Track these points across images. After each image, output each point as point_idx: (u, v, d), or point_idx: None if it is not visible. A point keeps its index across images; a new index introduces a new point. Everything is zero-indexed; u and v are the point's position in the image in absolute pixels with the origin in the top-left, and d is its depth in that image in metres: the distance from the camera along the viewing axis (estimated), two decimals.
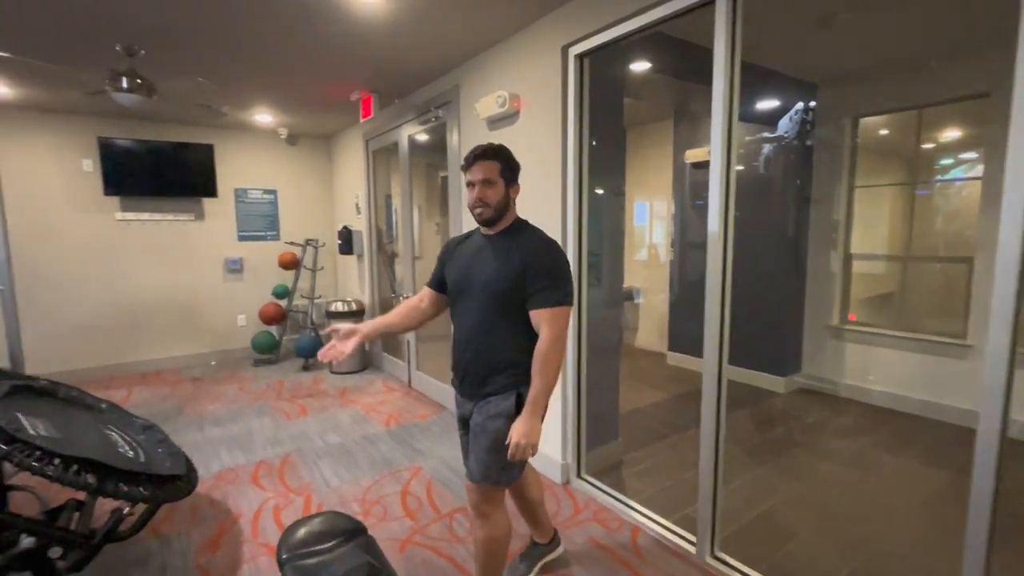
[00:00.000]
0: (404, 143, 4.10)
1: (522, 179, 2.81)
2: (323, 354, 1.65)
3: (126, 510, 1.79)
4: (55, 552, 1.77)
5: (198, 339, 5.07)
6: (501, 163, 1.55)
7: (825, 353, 4.11)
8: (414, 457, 2.97)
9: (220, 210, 5.06)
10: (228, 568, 2.03)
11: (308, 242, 5.26)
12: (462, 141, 3.28)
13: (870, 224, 4.24)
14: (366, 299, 5.03)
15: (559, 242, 2.58)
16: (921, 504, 2.52)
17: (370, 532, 1.45)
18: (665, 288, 5.16)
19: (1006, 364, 1.29)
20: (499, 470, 1.57)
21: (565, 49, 2.45)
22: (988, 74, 3.09)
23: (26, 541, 1.77)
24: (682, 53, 2.88)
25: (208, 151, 4.84)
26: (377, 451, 3.06)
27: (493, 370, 1.57)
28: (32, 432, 1.69)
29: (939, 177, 4.15)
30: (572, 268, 2.58)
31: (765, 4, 1.81)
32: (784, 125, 4.03)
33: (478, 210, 1.55)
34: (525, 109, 2.73)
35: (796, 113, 3.97)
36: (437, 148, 4.20)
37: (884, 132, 4.22)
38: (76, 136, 4.36)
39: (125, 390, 4.24)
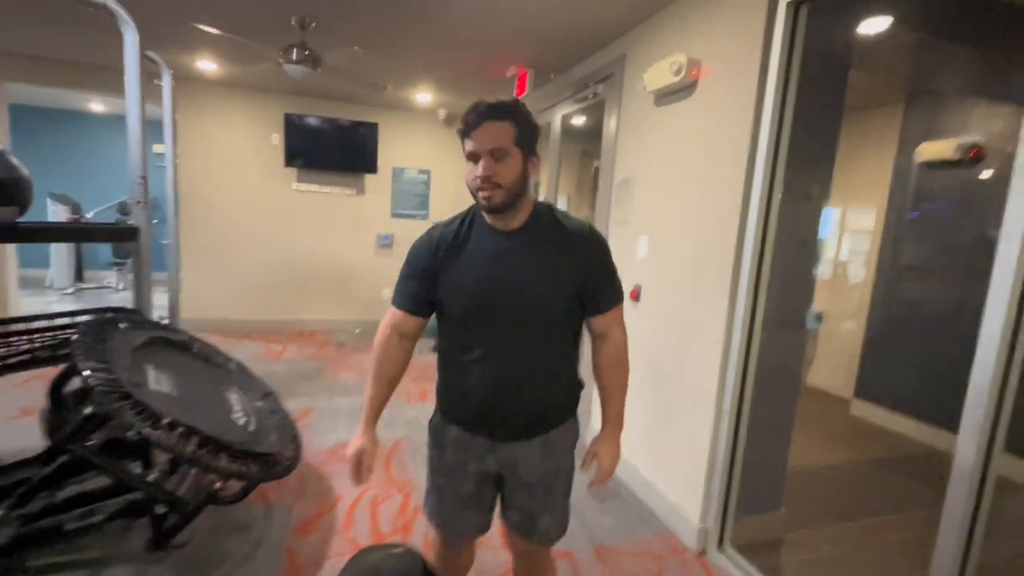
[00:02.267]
0: (556, 125, 3.76)
1: (689, 171, 2.32)
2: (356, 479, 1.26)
3: (218, 484, 1.75)
4: (160, 509, 1.79)
5: (347, 306, 5.40)
6: (517, 125, 1.07)
7: None
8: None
9: (378, 187, 5.28)
10: (314, 559, 1.92)
11: None
12: (621, 122, 2.82)
13: None
14: None
15: (733, 256, 2.02)
16: None
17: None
18: (857, 316, 4.10)
19: None
20: (568, 515, 1.33)
21: None
22: None
23: (133, 495, 1.83)
24: (946, 6, 2.07)
25: (373, 129, 5.05)
26: None
27: (552, 406, 1.24)
28: (154, 387, 1.71)
29: None
30: (750, 283, 2.00)
31: None
32: None
33: (484, 193, 1.08)
34: (705, 79, 2.17)
35: None
36: (591, 134, 3.80)
37: None
38: (267, 112, 4.85)
39: (280, 345, 4.64)
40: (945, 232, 3.43)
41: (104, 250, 7.05)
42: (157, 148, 7.23)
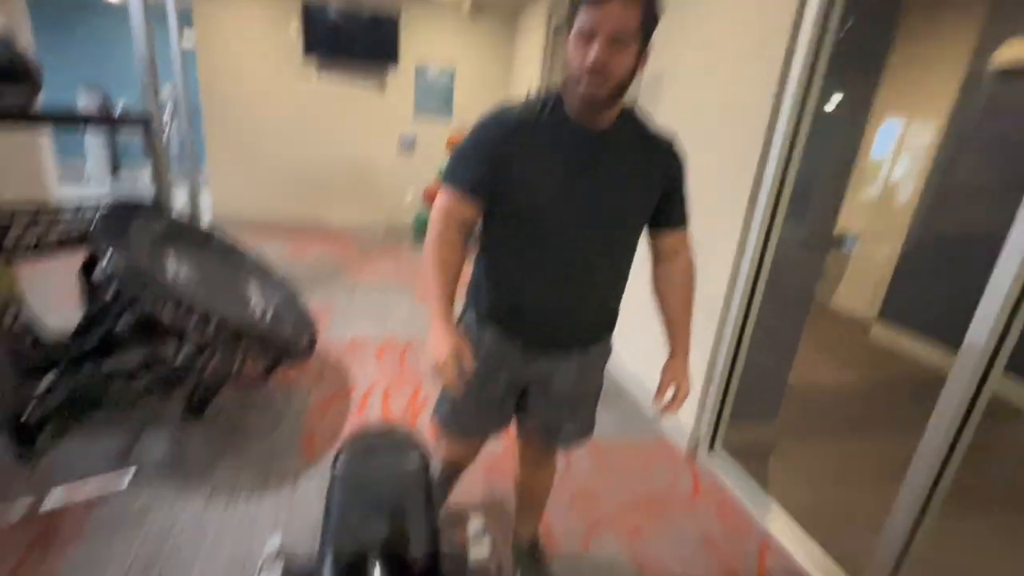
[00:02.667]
0: None
1: (717, 74, 2.12)
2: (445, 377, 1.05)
3: (237, 367, 1.88)
4: (189, 384, 1.96)
5: (370, 209, 5.43)
6: (645, 11, 0.90)
7: None
8: None
9: (400, 84, 5.08)
10: (328, 438, 2.10)
11: None
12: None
13: None
14: None
15: (756, 164, 1.89)
16: None
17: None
18: (895, 238, 3.90)
19: None
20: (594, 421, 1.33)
21: None
22: None
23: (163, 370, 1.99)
24: None
25: (394, 22, 4.75)
26: None
27: (603, 321, 1.19)
28: (173, 275, 1.79)
29: None
30: (770, 195, 1.89)
31: None
32: None
33: (589, 84, 0.92)
34: None
35: None
36: None
37: None
38: (285, 1, 4.58)
39: (303, 244, 4.77)
40: (1010, 150, 3.12)
41: (138, 144, 7.15)
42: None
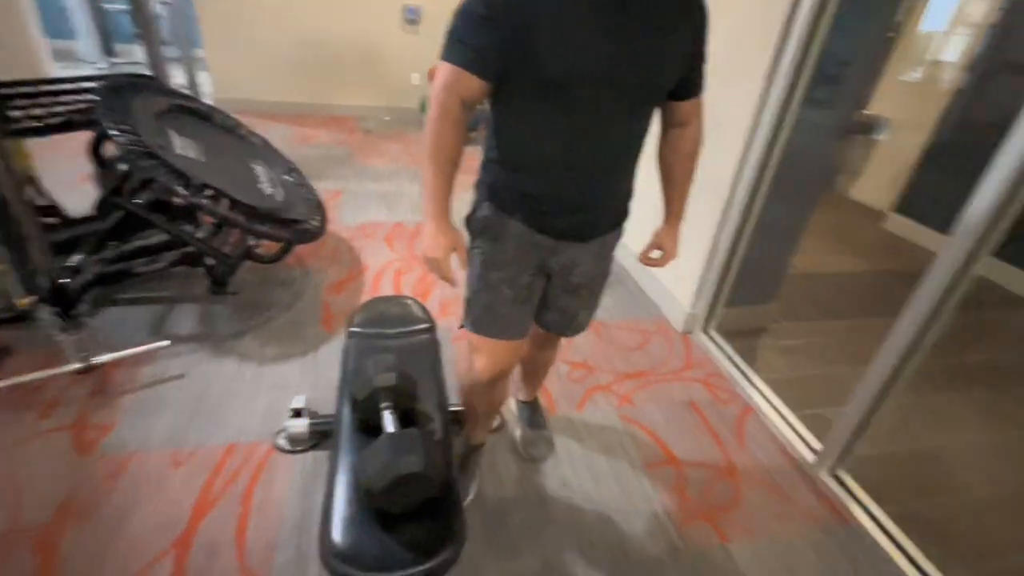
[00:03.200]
0: None
1: None
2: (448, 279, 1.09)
3: (255, 242, 1.96)
4: (210, 261, 2.07)
5: (375, 92, 5.18)
6: None
7: None
8: None
9: None
10: (345, 311, 2.24)
11: None
12: None
13: None
14: None
15: (778, 30, 1.75)
16: None
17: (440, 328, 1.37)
18: (927, 126, 3.68)
19: None
20: None
21: None
22: None
23: (190, 246, 2.09)
24: None
25: None
26: None
27: (628, 205, 1.19)
28: (179, 152, 1.81)
29: None
30: (792, 67, 1.78)
31: None
32: None
33: None
34: None
35: None
36: None
37: None
38: None
39: (309, 129, 4.65)
40: None
41: (129, 22, 6.71)
42: None
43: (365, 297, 2.35)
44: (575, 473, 1.60)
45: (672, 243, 1.25)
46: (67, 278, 1.57)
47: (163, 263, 2.06)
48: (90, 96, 2.06)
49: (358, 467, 0.93)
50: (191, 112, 2.10)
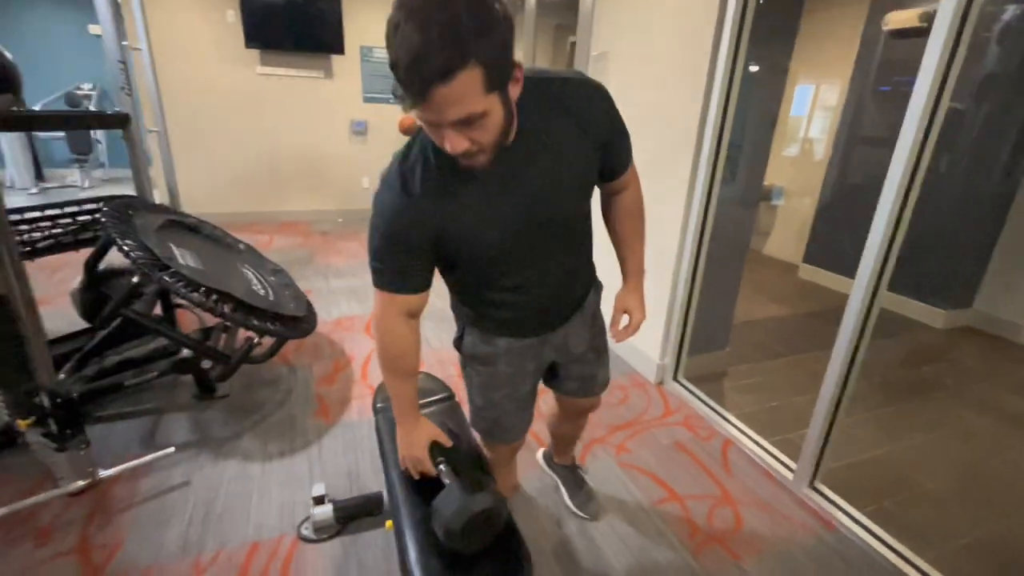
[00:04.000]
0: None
1: (658, 49, 2.40)
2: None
3: (256, 340, 2.03)
4: (206, 364, 2.09)
5: (326, 197, 5.45)
6: (482, 63, 0.68)
7: (1015, 289, 3.34)
8: None
9: (347, 69, 5.08)
10: (340, 400, 2.30)
11: None
12: None
13: None
14: None
15: (696, 133, 2.19)
16: None
17: (456, 399, 1.49)
18: (814, 190, 4.42)
19: None
20: None
21: None
22: None
23: (185, 351, 2.12)
24: None
25: (337, 5, 4.74)
26: None
27: (589, 282, 1.25)
28: (182, 262, 1.91)
29: None
30: (710, 156, 2.21)
31: None
32: None
33: (464, 160, 0.80)
34: None
35: None
36: (569, 6, 3.69)
37: None
38: None
39: (267, 236, 4.77)
40: (902, 102, 3.63)
41: (59, 147, 6.72)
42: (93, 29, 6.58)
43: (358, 387, 2.42)
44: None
45: (637, 302, 1.22)
46: (67, 395, 1.57)
47: (153, 373, 2.06)
48: (80, 218, 2.15)
49: (435, 514, 1.03)
50: (182, 226, 2.22)
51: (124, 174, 7.17)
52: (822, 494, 1.83)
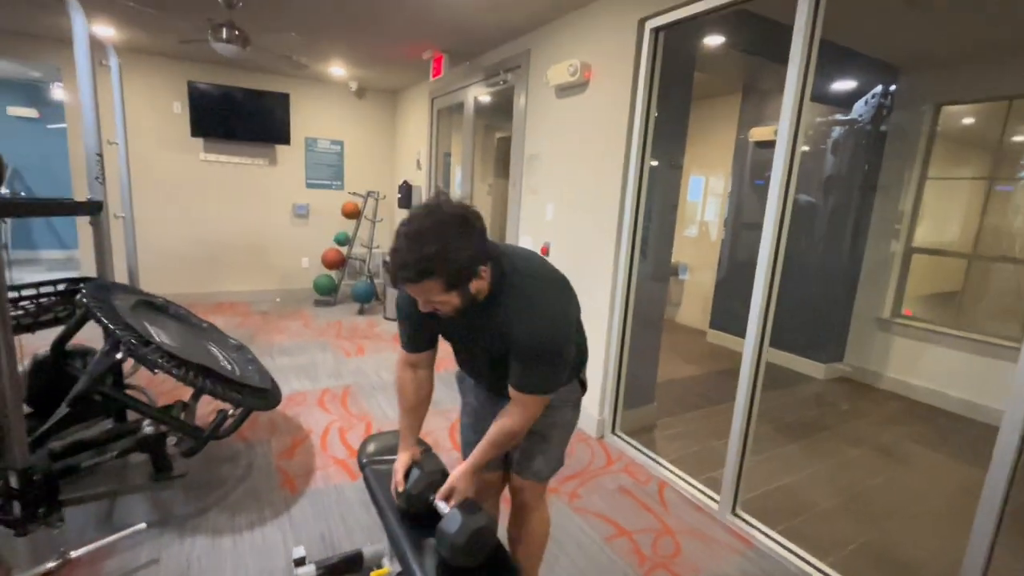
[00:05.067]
0: (470, 104, 4.22)
1: (584, 151, 2.94)
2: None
3: (230, 412, 2.11)
4: (172, 440, 2.12)
5: (265, 277, 5.48)
6: (440, 277, 1.03)
7: (871, 344, 4.09)
8: (459, 400, 3.23)
9: (291, 157, 5.36)
10: (303, 472, 2.36)
11: (369, 193, 5.52)
12: (529, 106, 3.38)
13: (939, 218, 4.10)
14: None
15: (616, 218, 2.69)
16: (943, 495, 2.60)
17: (430, 449, 1.69)
18: (713, 266, 5.17)
19: None
20: (562, 458, 1.49)
21: (642, 22, 2.49)
22: None
23: (148, 428, 2.13)
24: (758, 29, 2.86)
25: (284, 100, 5.10)
26: None
27: None
28: (158, 339, 2.00)
29: None
30: (629, 239, 2.69)
31: None
32: (859, 108, 3.91)
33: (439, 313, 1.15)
34: (595, 79, 2.80)
35: (873, 96, 3.84)
36: (495, 108, 4.30)
37: (968, 121, 4.03)
38: (168, 79, 4.70)
39: (205, 316, 4.69)
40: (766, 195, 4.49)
41: None
42: (12, 111, 6.45)
43: (319, 458, 2.49)
44: (552, 555, 1.90)
45: (460, 481, 1.29)
46: (46, 469, 1.59)
47: (112, 453, 2.05)
48: (42, 300, 2.18)
49: (440, 536, 1.22)
50: (152, 305, 2.30)
51: (28, 256, 6.72)
52: (743, 519, 2.17)
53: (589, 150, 2.88)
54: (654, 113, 2.58)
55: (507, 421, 1.24)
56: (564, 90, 3.01)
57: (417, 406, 1.41)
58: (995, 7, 2.71)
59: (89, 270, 4.55)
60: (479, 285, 1.11)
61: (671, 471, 2.52)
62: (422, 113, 5.13)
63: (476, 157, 4.69)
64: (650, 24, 2.47)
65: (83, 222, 4.49)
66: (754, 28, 2.81)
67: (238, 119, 4.94)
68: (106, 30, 3.86)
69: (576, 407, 1.45)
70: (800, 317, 4.07)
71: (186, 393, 2.32)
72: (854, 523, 2.26)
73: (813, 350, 4.16)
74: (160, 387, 3.03)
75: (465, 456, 1.49)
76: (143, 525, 1.82)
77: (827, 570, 1.90)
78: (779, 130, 1.98)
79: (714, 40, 2.99)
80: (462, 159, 4.54)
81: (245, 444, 2.56)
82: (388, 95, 5.77)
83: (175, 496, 2.13)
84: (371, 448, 1.76)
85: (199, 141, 4.91)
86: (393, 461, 1.72)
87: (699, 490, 2.37)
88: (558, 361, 1.19)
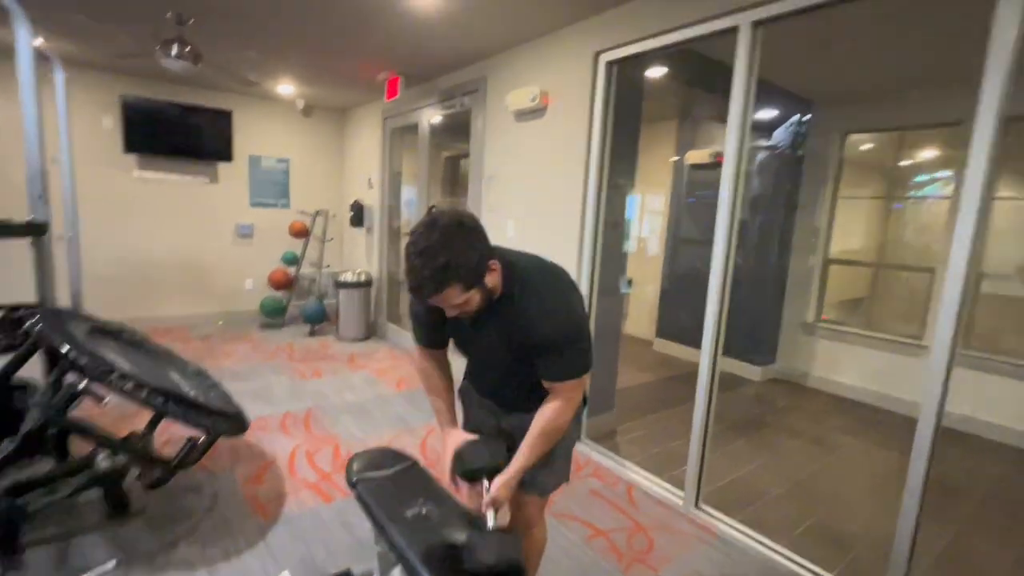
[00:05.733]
0: (425, 126, 4.29)
1: (544, 173, 3.10)
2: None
3: (199, 440, 2.03)
4: (134, 473, 2.00)
5: (206, 300, 5.21)
6: (461, 280, 1.10)
7: (798, 347, 4.51)
8: (428, 419, 3.23)
9: (234, 175, 5.17)
10: (274, 497, 2.29)
11: (318, 212, 5.41)
12: (487, 129, 3.51)
13: (848, 232, 4.63)
14: (374, 272, 5.24)
15: (578, 237, 2.85)
16: (872, 476, 2.93)
17: (421, 465, 1.73)
18: (654, 279, 5.49)
19: (946, 361, 1.61)
20: (567, 473, 1.51)
21: (597, 55, 2.70)
22: (961, 105, 3.45)
23: (103, 463, 2.01)
24: (697, 64, 3.16)
25: (227, 117, 4.94)
26: (392, 410, 3.32)
27: (529, 403, 1.36)
28: (120, 367, 1.91)
29: (913, 193, 4.56)
30: (590, 257, 2.85)
31: (777, 29, 2.08)
32: (779, 135, 4.36)
33: (462, 314, 1.22)
34: (552, 106, 2.97)
35: (791, 125, 4.30)
36: (444, 129, 4.40)
37: (867, 147, 4.60)
38: (98, 93, 4.43)
39: None
40: (708, 214, 4.87)
41: None
42: None
43: (289, 483, 2.42)
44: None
45: (502, 489, 1.28)
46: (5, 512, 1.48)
47: (66, 491, 1.91)
48: None
49: (475, 552, 1.17)
50: (106, 331, 2.17)
51: None
52: (705, 511, 2.34)
53: (548, 171, 3.04)
54: (611, 140, 2.78)
55: (551, 414, 1.27)
56: (523, 114, 3.16)
57: (446, 386, 1.47)
58: (890, 55, 3.16)
59: (20, 295, 4.17)
60: (493, 279, 1.17)
61: (637, 473, 2.67)
62: (372, 132, 5.13)
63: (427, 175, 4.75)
64: (604, 57, 2.68)
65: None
66: (694, 63, 3.11)
67: (176, 135, 4.72)
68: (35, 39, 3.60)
69: (578, 420, 1.46)
70: (738, 325, 4.41)
71: (137, 423, 2.21)
72: (800, 506, 2.50)
73: (750, 354, 4.52)
74: (100, 420, 2.82)
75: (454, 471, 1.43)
76: (112, 564, 1.71)
77: (783, 551, 2.10)
78: (726, 153, 2.21)
79: (658, 72, 3.27)
80: (417, 179, 4.59)
81: (207, 473, 2.45)
82: (336, 113, 5.72)
83: (137, 533, 2.00)
84: (358, 466, 1.77)
85: (133, 158, 4.64)
86: (383, 476, 1.75)
87: (664, 488, 2.53)
88: (583, 342, 1.25)
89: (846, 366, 4.23)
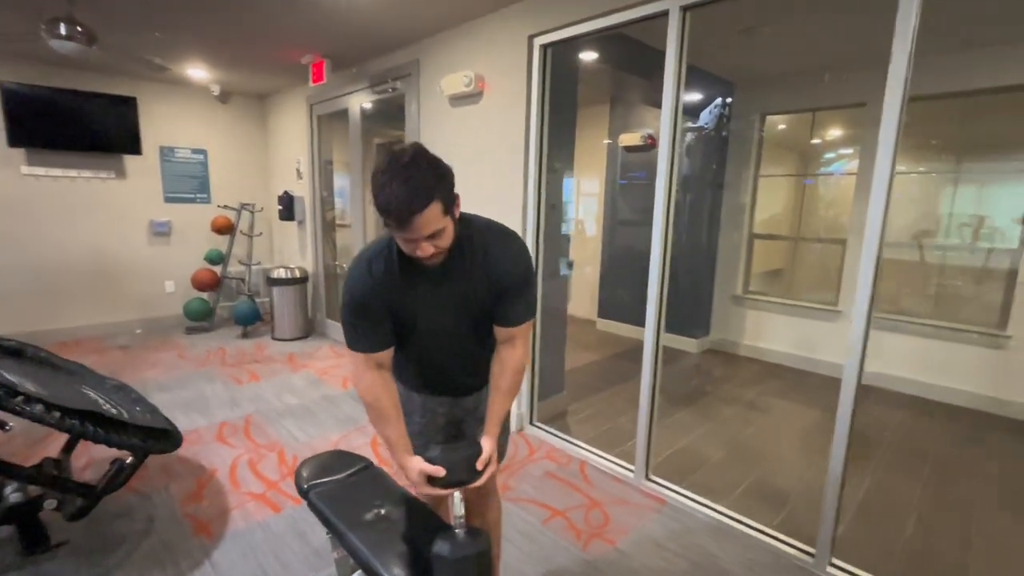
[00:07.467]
0: (356, 111, 4.11)
1: (482, 158, 3.06)
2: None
3: (127, 461, 1.86)
4: (50, 504, 1.81)
5: (121, 306, 4.78)
6: (441, 197, 1.08)
7: (729, 319, 4.78)
8: None
9: (144, 169, 4.73)
10: (217, 514, 2.16)
11: (243, 206, 5.08)
12: (422, 115, 3.41)
13: (769, 208, 4.93)
14: (308, 266, 5.01)
15: (520, 222, 2.84)
16: (800, 434, 3.18)
17: (377, 466, 1.68)
18: (594, 260, 5.62)
19: (863, 326, 1.76)
20: (507, 442, 1.57)
21: (531, 39, 2.67)
22: (865, 87, 3.74)
23: (13, 496, 1.81)
24: (628, 49, 3.22)
25: (131, 105, 4.49)
26: (340, 410, 3.21)
27: (487, 378, 1.41)
28: (23, 388, 1.71)
29: (822, 170, 4.92)
30: (534, 241, 2.86)
31: (704, 15, 2.15)
32: (705, 117, 4.54)
33: (428, 261, 1.17)
34: (489, 90, 2.93)
35: (716, 107, 4.49)
36: (374, 115, 4.24)
37: (783, 127, 4.89)
38: None
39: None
40: (642, 195, 5.02)
41: None
42: None
43: (232, 497, 2.29)
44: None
45: (489, 450, 1.31)
46: None
47: None
48: None
49: (443, 551, 1.17)
50: (4, 350, 1.93)
51: None
52: (655, 482, 2.45)
53: (487, 157, 3.00)
54: (548, 122, 2.78)
55: (519, 354, 1.33)
56: (459, 99, 3.10)
57: (398, 413, 1.32)
58: (803, 42, 3.36)
59: None
60: (456, 213, 1.18)
61: (588, 450, 2.74)
62: (297, 119, 4.86)
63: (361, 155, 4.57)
64: (538, 41, 2.67)
65: None
66: (625, 48, 3.16)
67: (71, 126, 4.24)
68: None
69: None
70: (674, 300, 4.61)
71: (51, 448, 2.00)
72: (739, 468, 2.67)
73: (687, 328, 4.75)
74: (5, 448, 2.54)
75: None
76: None
77: (725, 511, 2.24)
78: (661, 133, 2.26)
79: (589, 56, 3.30)
80: (350, 167, 4.40)
81: (137, 496, 2.27)
82: (256, 100, 5.35)
83: (62, 567, 1.83)
84: (308, 472, 1.69)
85: (20, 152, 4.13)
86: (336, 480, 1.69)
87: (615, 463, 2.62)
88: (535, 282, 1.37)
89: (772, 334, 4.53)
